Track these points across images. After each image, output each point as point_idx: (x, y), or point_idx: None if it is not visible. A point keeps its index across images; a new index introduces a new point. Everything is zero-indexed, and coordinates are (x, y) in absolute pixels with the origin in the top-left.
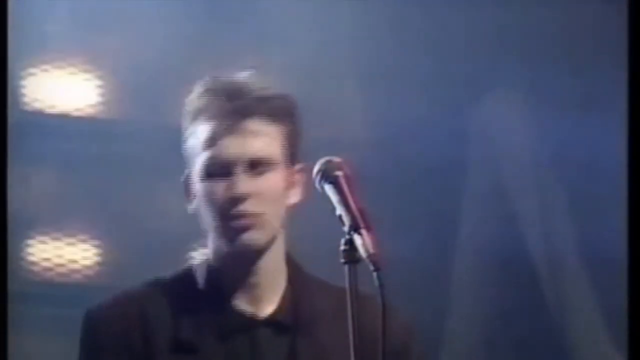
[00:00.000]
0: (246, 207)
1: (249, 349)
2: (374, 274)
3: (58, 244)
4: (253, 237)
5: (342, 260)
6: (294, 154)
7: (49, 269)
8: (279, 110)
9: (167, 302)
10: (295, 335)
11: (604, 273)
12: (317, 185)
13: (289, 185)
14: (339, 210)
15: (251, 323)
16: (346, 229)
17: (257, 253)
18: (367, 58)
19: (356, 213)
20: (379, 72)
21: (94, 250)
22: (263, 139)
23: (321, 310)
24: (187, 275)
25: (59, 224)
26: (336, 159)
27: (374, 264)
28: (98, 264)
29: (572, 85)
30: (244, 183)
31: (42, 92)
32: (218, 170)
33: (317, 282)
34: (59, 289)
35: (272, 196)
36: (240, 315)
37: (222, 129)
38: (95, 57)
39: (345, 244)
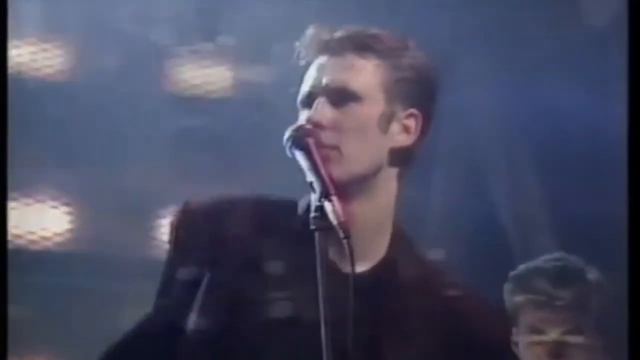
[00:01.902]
0: (320, 137)
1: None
2: (344, 241)
3: (28, 210)
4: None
5: (313, 227)
6: (404, 97)
7: (19, 236)
8: (384, 49)
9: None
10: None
11: (600, 230)
12: (287, 151)
13: (391, 127)
14: (310, 177)
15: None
16: (317, 196)
17: (345, 194)
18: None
19: (327, 180)
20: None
21: (66, 217)
22: (353, 72)
23: (409, 287)
24: (290, 205)
25: (30, 190)
26: (307, 125)
27: (344, 231)
28: (70, 230)
29: (548, 43)
30: (322, 112)
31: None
32: (304, 101)
33: (418, 258)
34: (30, 256)
35: (354, 130)
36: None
37: (315, 61)
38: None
39: (316, 210)
